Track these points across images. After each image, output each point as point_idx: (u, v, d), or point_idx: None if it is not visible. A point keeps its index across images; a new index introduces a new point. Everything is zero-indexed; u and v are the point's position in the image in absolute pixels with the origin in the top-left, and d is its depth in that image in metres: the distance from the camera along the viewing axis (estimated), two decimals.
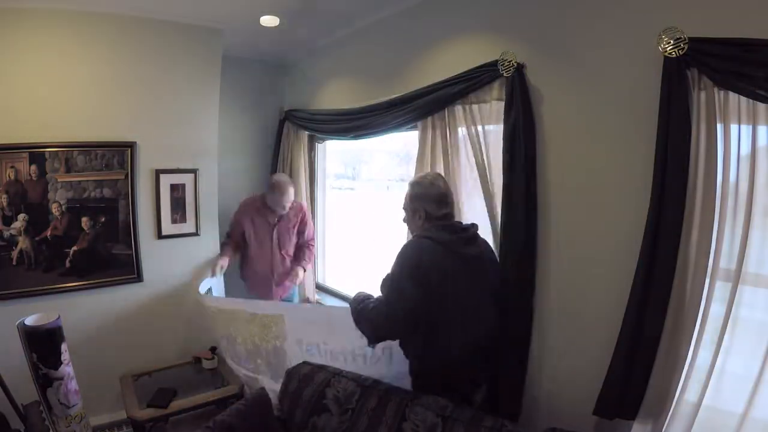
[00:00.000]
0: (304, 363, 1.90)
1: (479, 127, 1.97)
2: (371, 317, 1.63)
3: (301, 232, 3.01)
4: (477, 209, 2.03)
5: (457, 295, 1.61)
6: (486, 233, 1.94)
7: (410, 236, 1.84)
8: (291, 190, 2.81)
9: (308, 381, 1.77)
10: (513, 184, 1.80)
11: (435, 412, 1.53)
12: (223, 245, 2.95)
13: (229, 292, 2.97)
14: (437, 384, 1.66)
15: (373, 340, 1.67)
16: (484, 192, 1.98)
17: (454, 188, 2.03)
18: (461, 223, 1.77)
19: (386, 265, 1.67)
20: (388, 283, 1.62)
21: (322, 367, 1.84)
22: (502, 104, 1.83)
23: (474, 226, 1.75)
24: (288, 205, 2.82)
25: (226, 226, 3.13)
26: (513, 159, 1.79)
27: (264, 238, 2.88)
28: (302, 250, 3.03)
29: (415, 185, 1.76)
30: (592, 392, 1.59)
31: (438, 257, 1.58)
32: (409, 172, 2.61)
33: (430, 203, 1.70)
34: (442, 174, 2.07)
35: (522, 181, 1.77)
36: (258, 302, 2.45)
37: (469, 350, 1.66)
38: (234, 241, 2.93)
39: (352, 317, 1.70)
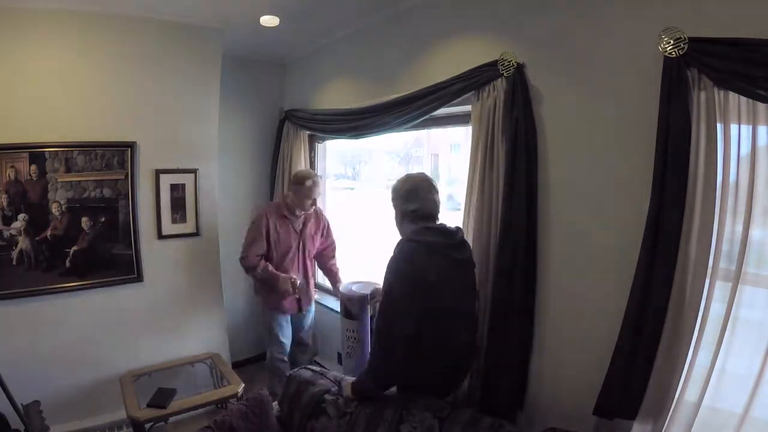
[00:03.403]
0: (304, 368, 1.91)
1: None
2: (375, 363, 1.63)
3: (321, 243, 2.88)
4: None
5: (447, 299, 1.61)
6: (485, 233, 1.94)
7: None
8: (320, 185, 2.69)
9: (308, 386, 1.78)
10: (515, 184, 1.79)
11: (433, 413, 1.53)
12: (259, 267, 2.61)
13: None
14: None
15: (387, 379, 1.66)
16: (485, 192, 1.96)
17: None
18: (446, 225, 1.72)
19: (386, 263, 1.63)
20: (383, 308, 1.60)
21: (322, 374, 1.84)
22: (501, 105, 1.83)
23: (460, 231, 1.73)
24: (314, 204, 2.68)
25: (226, 226, 3.13)
26: (515, 159, 1.78)
27: (290, 247, 2.69)
28: (330, 262, 2.92)
29: (392, 186, 1.77)
30: (592, 392, 1.59)
31: (430, 259, 1.57)
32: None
33: (399, 200, 1.71)
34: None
35: (523, 181, 1.77)
36: None
37: (449, 362, 1.69)
38: (263, 252, 2.65)
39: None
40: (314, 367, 1.94)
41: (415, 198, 1.68)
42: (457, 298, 1.67)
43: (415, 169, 2.32)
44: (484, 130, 1.89)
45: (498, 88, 1.84)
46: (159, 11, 2.55)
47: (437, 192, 1.73)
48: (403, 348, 1.54)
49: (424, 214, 1.68)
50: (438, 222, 1.72)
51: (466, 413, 1.53)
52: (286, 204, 2.68)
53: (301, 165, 3.31)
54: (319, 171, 3.48)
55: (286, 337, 2.81)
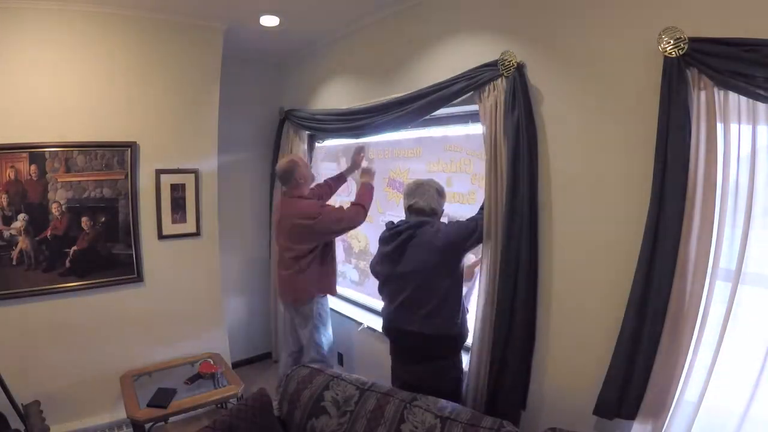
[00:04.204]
0: (303, 366, 1.91)
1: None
2: None
3: None
4: None
5: (383, 282, 2.05)
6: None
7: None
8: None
9: (307, 383, 1.77)
10: (518, 184, 1.78)
11: (434, 413, 1.53)
12: (359, 205, 2.49)
13: None
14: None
15: None
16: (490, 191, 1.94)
17: None
18: (400, 222, 2.00)
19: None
20: None
21: (320, 371, 1.84)
22: (502, 105, 1.82)
23: (405, 224, 1.94)
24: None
25: (226, 226, 3.15)
26: (517, 160, 1.78)
27: None
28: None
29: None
30: (592, 392, 1.59)
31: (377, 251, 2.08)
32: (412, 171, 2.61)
33: (404, 198, 2.08)
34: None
35: (526, 181, 1.77)
36: None
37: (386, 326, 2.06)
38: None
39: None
40: (313, 365, 1.94)
41: (411, 195, 2.02)
42: (390, 276, 1.99)
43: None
44: (488, 129, 1.88)
45: (498, 88, 1.84)
46: (159, 11, 2.55)
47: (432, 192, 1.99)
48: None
49: (416, 209, 1.99)
50: (422, 217, 1.97)
51: (467, 413, 1.53)
52: (297, 194, 2.58)
53: None
54: (317, 172, 3.47)
55: None
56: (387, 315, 2.04)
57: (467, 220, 1.98)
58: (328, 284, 2.64)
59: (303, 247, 2.49)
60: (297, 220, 2.46)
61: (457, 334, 1.93)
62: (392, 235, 1.96)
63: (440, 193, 2.04)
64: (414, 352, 1.96)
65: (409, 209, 2.01)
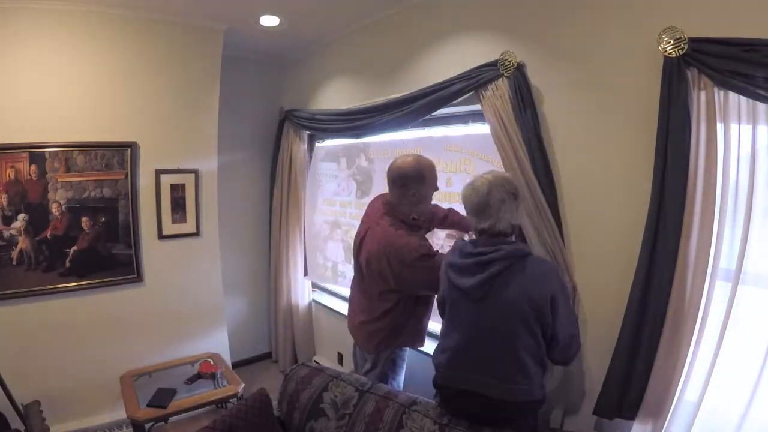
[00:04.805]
0: (303, 365, 1.90)
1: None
2: None
3: None
4: None
5: (452, 323, 1.52)
6: None
7: None
8: None
9: (306, 384, 1.77)
10: (542, 185, 1.75)
11: (433, 419, 1.52)
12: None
13: None
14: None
15: None
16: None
17: None
18: (485, 245, 1.44)
19: None
20: None
21: (320, 370, 1.84)
22: (508, 104, 1.82)
23: (494, 251, 1.40)
24: None
25: (226, 226, 3.14)
26: (534, 160, 1.76)
27: None
28: None
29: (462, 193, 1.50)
30: (592, 392, 1.59)
31: (445, 281, 1.55)
32: None
33: (470, 214, 1.48)
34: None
35: (544, 180, 1.75)
36: None
37: (450, 390, 1.53)
38: None
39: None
40: (312, 364, 1.93)
41: (484, 215, 1.44)
42: (458, 330, 1.50)
43: None
44: (494, 128, 1.86)
45: (501, 88, 1.83)
46: (159, 11, 2.55)
47: (514, 197, 1.45)
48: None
49: (496, 232, 1.44)
50: (507, 238, 1.45)
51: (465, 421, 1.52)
52: (401, 216, 1.82)
53: (301, 165, 3.30)
54: (317, 172, 3.47)
55: None
56: (447, 367, 1.52)
57: (572, 318, 1.51)
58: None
59: None
60: None
61: (539, 399, 1.47)
62: (475, 264, 1.42)
63: (514, 195, 1.45)
64: (482, 416, 1.48)
65: (483, 233, 1.46)
